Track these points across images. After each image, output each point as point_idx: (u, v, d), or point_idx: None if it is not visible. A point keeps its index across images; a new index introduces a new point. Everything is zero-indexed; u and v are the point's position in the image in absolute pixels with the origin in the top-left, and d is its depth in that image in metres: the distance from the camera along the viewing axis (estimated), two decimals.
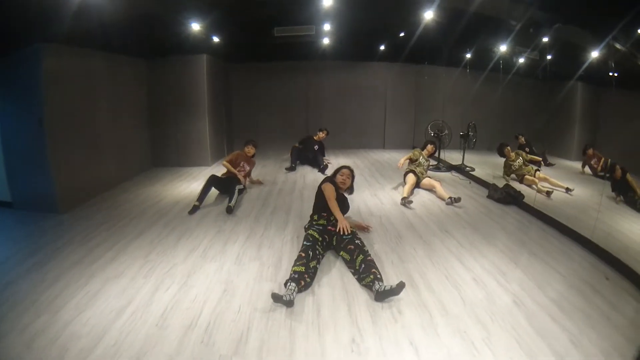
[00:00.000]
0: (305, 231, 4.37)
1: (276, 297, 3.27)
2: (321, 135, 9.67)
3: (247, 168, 7.11)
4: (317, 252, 3.93)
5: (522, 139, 7.91)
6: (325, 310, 3.25)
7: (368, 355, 2.70)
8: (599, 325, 3.02)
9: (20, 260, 4.28)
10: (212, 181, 6.30)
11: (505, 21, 6.82)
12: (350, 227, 4.21)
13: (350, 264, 3.94)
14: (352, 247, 3.99)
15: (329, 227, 4.31)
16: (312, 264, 3.73)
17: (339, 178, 4.87)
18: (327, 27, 8.50)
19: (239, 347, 2.79)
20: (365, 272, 3.66)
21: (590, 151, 6.34)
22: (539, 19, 6.25)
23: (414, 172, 7.06)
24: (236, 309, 3.28)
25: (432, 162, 7.48)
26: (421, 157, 7.36)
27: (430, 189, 6.94)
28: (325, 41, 9.60)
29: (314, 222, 4.41)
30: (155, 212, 5.92)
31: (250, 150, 7.25)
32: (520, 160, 7.31)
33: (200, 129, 9.30)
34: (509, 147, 7.58)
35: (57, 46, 5.92)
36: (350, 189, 5.08)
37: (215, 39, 8.50)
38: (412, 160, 7.32)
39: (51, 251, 4.50)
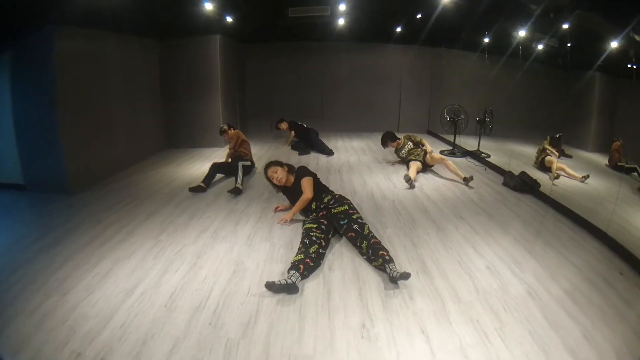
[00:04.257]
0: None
1: (270, 285, 3.20)
2: (283, 126, 9.59)
3: (231, 145, 6.95)
4: (315, 237, 3.83)
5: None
6: (336, 294, 3.21)
7: (378, 341, 2.65)
8: (613, 321, 2.92)
9: (30, 242, 4.27)
10: (215, 167, 6.37)
11: (525, 4, 6.65)
12: (343, 209, 4.19)
13: (357, 248, 3.92)
14: (353, 234, 3.96)
15: (320, 214, 4.29)
16: (312, 250, 3.66)
17: (273, 178, 4.84)
18: (342, 7, 8.35)
19: (247, 330, 2.76)
20: (374, 255, 3.62)
21: (618, 143, 5.94)
22: (560, 4, 6.09)
23: (412, 160, 7.03)
24: (245, 291, 3.25)
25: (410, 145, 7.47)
26: (404, 148, 7.42)
27: (442, 165, 6.88)
28: (341, 22, 9.44)
29: (307, 220, 4.32)
30: (167, 193, 5.93)
31: (227, 137, 7.15)
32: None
33: (214, 110, 9.27)
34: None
35: (69, 28, 5.89)
36: (293, 171, 4.91)
37: (229, 19, 8.40)
38: (400, 155, 7.52)
39: (61, 233, 4.50)
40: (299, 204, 4.53)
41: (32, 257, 3.92)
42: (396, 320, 2.88)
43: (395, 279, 3.35)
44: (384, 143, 7.70)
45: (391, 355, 2.54)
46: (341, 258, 3.83)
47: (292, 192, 4.81)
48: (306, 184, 4.57)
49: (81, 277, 3.51)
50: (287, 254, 3.90)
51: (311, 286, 3.33)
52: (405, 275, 3.28)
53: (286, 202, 5.14)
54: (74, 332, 2.75)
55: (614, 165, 5.85)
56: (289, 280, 3.20)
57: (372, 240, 3.78)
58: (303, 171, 4.77)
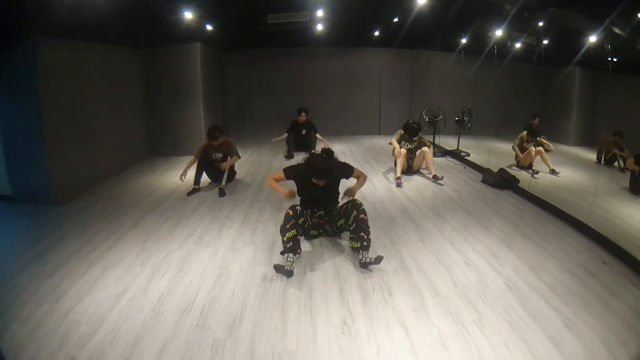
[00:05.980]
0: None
1: (278, 268, 3.54)
2: (303, 117, 9.32)
3: (220, 156, 6.49)
4: (304, 212, 4.02)
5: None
6: (317, 293, 3.33)
7: (359, 337, 2.76)
8: (596, 310, 3.01)
9: (21, 252, 4.32)
10: (202, 163, 6.40)
11: (499, 5, 6.79)
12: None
13: (345, 218, 4.04)
14: (347, 207, 4.01)
15: (320, 221, 4.34)
16: (300, 220, 3.88)
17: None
18: (320, 13, 8.45)
19: (233, 329, 2.87)
20: (355, 233, 3.81)
21: (609, 138, 5.57)
22: (533, 3, 6.23)
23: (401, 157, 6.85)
24: (230, 293, 3.36)
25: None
26: (412, 144, 7.23)
27: (424, 161, 7.05)
28: (319, 27, 9.53)
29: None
30: (152, 200, 5.98)
31: (215, 142, 6.36)
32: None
33: (195, 118, 9.31)
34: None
35: (53, 39, 5.92)
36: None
37: (209, 27, 8.47)
38: (402, 146, 7.21)
39: (51, 242, 4.54)
40: (361, 181, 4.53)
41: (24, 266, 3.96)
42: (376, 315, 3.00)
43: (365, 265, 3.63)
44: (416, 132, 7.21)
45: (372, 349, 2.65)
46: (322, 259, 3.95)
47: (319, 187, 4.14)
48: (358, 171, 4.51)
49: (71, 284, 3.58)
50: (270, 256, 4.01)
51: (293, 286, 3.45)
52: (379, 259, 3.60)
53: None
54: (67, 337, 2.83)
55: (601, 162, 5.66)
56: (292, 267, 3.58)
57: (361, 216, 3.86)
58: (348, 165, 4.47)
